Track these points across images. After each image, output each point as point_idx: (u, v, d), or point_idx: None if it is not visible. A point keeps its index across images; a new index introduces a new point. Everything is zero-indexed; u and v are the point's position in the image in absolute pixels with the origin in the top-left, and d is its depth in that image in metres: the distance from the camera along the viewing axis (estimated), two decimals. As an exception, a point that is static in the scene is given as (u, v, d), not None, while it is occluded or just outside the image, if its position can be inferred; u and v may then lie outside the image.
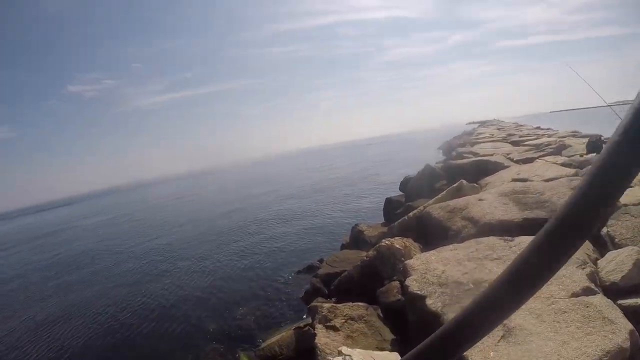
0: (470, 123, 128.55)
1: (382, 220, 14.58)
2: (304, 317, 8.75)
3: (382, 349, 4.70)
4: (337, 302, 7.06)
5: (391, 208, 14.30)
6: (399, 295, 5.78)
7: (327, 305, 6.63)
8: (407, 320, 4.73)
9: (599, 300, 3.52)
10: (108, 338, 9.94)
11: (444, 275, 4.59)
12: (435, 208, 7.83)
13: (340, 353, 5.36)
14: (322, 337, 5.87)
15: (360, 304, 6.37)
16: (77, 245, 27.03)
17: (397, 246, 6.96)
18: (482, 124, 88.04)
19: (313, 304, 7.89)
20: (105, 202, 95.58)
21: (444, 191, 9.48)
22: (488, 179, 10.59)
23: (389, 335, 5.14)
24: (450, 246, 5.52)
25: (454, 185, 9.52)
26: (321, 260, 12.00)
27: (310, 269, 11.93)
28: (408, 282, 4.96)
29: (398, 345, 4.64)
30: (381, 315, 5.93)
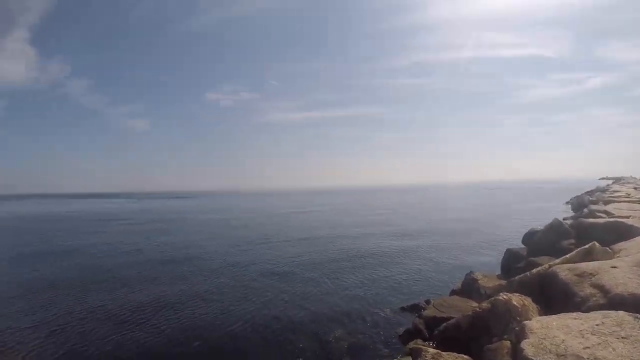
0: (603, 178, 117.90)
1: (499, 272, 13.49)
2: (399, 356, 8.36)
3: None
4: (438, 349, 6.65)
5: (511, 260, 13.11)
6: (508, 357, 5.18)
7: (432, 350, 6.30)
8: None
9: None
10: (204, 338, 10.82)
11: (564, 346, 4.01)
12: (562, 269, 6.93)
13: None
14: (420, 383, 5.62)
15: (464, 356, 5.91)
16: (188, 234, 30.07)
17: (515, 303, 6.28)
18: (617, 180, 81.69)
19: (416, 345, 7.53)
20: (227, 201, 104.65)
21: (573, 251, 8.43)
22: (623, 244, 9.33)
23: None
24: (574, 314, 4.82)
25: (585, 246, 8.39)
26: (428, 302, 11.43)
27: (415, 308, 11.46)
28: (523, 345, 4.45)
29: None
30: (484, 374, 5.38)
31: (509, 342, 5.52)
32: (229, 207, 77.69)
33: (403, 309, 11.71)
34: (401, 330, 9.81)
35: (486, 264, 16.56)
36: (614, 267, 6.55)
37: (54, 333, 10.67)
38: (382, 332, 10.29)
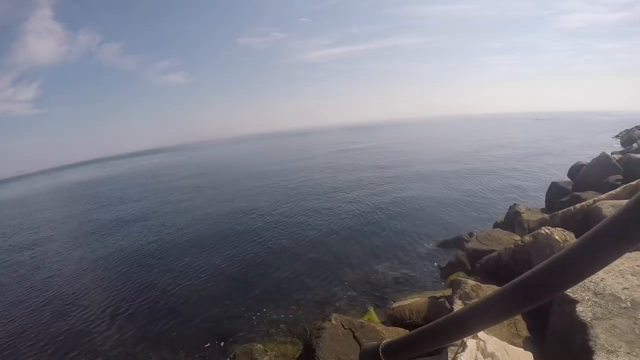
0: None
1: (543, 205, 13.10)
2: (440, 287, 8.66)
3: (513, 344, 4.42)
4: (478, 281, 6.79)
5: (555, 194, 12.69)
6: (547, 293, 5.23)
7: (471, 282, 6.43)
8: (547, 322, 4.30)
9: None
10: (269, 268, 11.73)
11: (602, 284, 3.97)
12: (607, 205, 6.62)
13: (475, 336, 5.25)
14: (458, 312, 5.80)
15: (504, 289, 6.01)
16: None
17: (557, 237, 6.18)
18: (675, 114, 71.00)
19: (457, 277, 7.73)
20: (267, 143, 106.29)
21: (620, 187, 7.94)
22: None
23: (525, 332, 4.76)
24: (617, 252, 4.65)
25: (632, 183, 7.87)
26: (471, 234, 11.46)
27: (458, 241, 11.53)
28: (561, 279, 4.45)
29: (531, 345, 4.27)
30: (522, 308, 5.48)
31: (549, 277, 5.54)
32: (270, 151, 79.02)
33: (447, 241, 11.83)
34: (444, 262, 10.05)
35: (530, 197, 16.20)
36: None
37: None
38: (424, 264, 10.62)
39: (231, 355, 7.20)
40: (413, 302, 7.31)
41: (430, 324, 0.81)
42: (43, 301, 11.55)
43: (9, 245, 20.50)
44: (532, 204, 13.01)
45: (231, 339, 8.04)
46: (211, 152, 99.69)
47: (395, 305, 7.48)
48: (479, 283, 6.39)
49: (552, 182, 13.74)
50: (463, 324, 0.79)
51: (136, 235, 18.22)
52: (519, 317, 5.27)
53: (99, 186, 50.63)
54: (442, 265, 9.94)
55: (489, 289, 6.15)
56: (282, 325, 8.28)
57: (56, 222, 26.47)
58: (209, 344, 7.99)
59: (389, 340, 0.90)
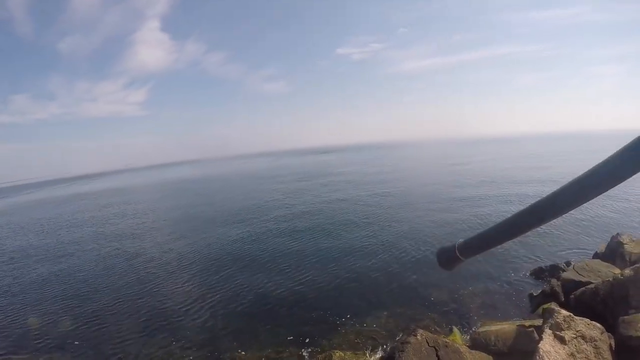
0: None
1: None
2: (530, 316, 8.47)
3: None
4: (573, 313, 6.65)
5: None
6: (642, 333, 5.10)
7: (564, 313, 6.35)
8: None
9: None
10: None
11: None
12: None
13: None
14: (547, 344, 5.80)
15: (597, 324, 5.87)
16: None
17: (660, 275, 5.92)
18: None
19: (548, 306, 7.56)
20: (370, 155, 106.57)
21: None
22: None
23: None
24: None
25: None
26: (568, 263, 10.91)
27: (554, 269, 11.01)
28: (660, 321, 4.42)
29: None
30: (613, 346, 5.39)
31: (647, 316, 5.36)
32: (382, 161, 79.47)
33: (541, 269, 11.32)
34: (537, 290, 9.75)
35: (637, 225, 14.71)
36: None
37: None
38: (516, 289, 10.39)
39: (311, 358, 7.87)
40: (500, 328, 7.28)
41: (500, 222, 1.09)
42: (142, 287, 13.47)
43: (118, 227, 23.88)
44: (638, 235, 11.85)
45: (314, 344, 8.63)
46: (311, 160, 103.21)
47: (481, 329, 7.50)
48: (572, 315, 6.28)
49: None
50: (538, 214, 1.03)
51: (236, 234, 20.04)
52: (608, 355, 5.24)
53: (203, 183, 55.86)
54: (535, 294, 9.63)
55: (581, 323, 6.06)
56: (364, 336, 8.70)
57: (160, 212, 30.09)
58: (292, 345, 8.67)
59: (462, 239, 1.21)
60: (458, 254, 1.46)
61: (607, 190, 0.98)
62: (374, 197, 27.83)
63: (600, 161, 0.93)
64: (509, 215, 1.18)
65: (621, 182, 0.95)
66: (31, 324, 11.25)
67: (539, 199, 1.06)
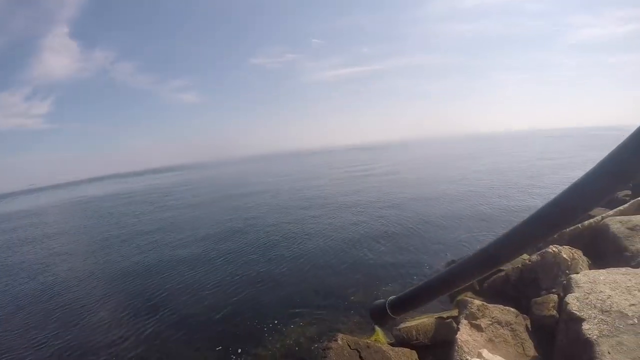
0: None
1: None
2: (448, 308, 8.56)
3: (521, 363, 4.38)
4: (487, 301, 6.75)
5: None
6: (554, 311, 5.19)
7: (477, 302, 6.42)
8: (554, 341, 4.27)
9: None
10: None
11: (609, 302, 3.95)
12: (614, 221, 6.61)
13: (480, 355, 5.19)
14: (465, 334, 5.76)
15: (511, 309, 5.98)
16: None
17: (564, 256, 6.16)
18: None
19: (462, 297, 7.69)
20: (279, 163, 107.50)
21: (627, 203, 7.95)
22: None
23: (532, 351, 4.73)
24: (623, 269, 4.66)
25: None
26: (478, 254, 11.37)
27: (465, 260, 11.42)
28: (568, 299, 4.45)
29: (538, 364, 4.24)
30: (529, 327, 5.45)
31: (556, 295, 5.51)
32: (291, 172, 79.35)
33: (453, 261, 11.65)
34: (451, 283, 9.94)
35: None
36: (671, 221, 6.16)
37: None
38: (431, 284, 10.47)
39: None
40: (420, 322, 7.25)
41: (431, 278, 0.90)
42: (54, 308, 11.81)
43: (20, 254, 20.77)
44: (541, 222, 12.90)
45: (232, 357, 8.02)
46: (221, 171, 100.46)
47: (402, 326, 7.41)
48: (485, 303, 6.37)
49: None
50: (457, 275, 0.86)
51: (148, 248, 18.46)
52: (525, 336, 5.24)
53: (111, 201, 51.28)
54: (450, 286, 9.82)
55: (495, 309, 6.13)
56: (286, 345, 8.23)
57: (67, 234, 26.90)
58: None
59: (394, 296, 0.99)
60: (389, 311, 1.64)
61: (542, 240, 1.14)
62: (297, 202, 27.50)
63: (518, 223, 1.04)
64: (440, 272, 1.11)
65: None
66: None
67: (474, 251, 0.97)
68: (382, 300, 1.26)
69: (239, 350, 8.18)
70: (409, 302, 1.15)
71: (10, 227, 37.81)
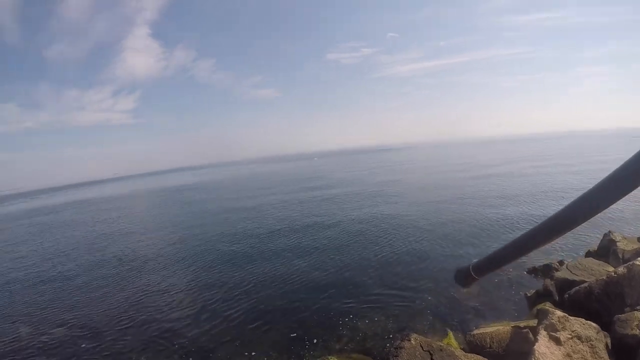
0: None
1: None
2: (525, 317, 8.41)
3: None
4: (566, 312, 6.57)
5: None
6: (638, 331, 5.02)
7: (559, 313, 6.28)
8: (635, 362, 4.22)
9: None
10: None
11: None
12: None
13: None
14: (542, 346, 5.72)
15: (592, 324, 5.81)
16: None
17: (654, 271, 5.87)
18: None
19: (544, 307, 7.49)
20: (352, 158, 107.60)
21: None
22: None
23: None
24: None
25: None
26: (561, 262, 10.86)
27: (547, 268, 10.97)
28: (655, 319, 4.35)
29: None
30: (609, 345, 5.31)
31: (642, 314, 5.30)
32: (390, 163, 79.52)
33: (535, 269, 11.30)
34: (531, 290, 9.68)
35: (628, 224, 14.78)
36: None
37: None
38: (509, 290, 10.27)
39: None
40: (495, 330, 7.19)
41: (510, 242, 1.16)
42: (134, 290, 13.49)
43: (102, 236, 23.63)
44: (630, 232, 11.88)
45: (308, 348, 8.52)
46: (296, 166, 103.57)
47: (476, 332, 7.39)
48: (566, 315, 6.22)
49: (655, 209, 12.44)
50: (534, 238, 1.08)
51: (233, 239, 19.94)
52: (604, 355, 5.17)
53: (191, 191, 55.62)
54: (529, 294, 9.55)
55: (576, 323, 5.98)
56: (360, 340, 8.60)
57: (154, 218, 29.83)
58: (286, 350, 8.54)
59: (477, 260, 1.29)
60: (472, 273, 1.67)
61: (614, 202, 1.04)
62: (375, 200, 27.83)
63: (606, 175, 1.04)
64: (519, 235, 1.34)
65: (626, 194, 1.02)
66: (22, 334, 11.07)
67: (547, 217, 1.16)
68: (466, 264, 1.54)
69: (314, 341, 8.76)
70: (491, 264, 1.40)
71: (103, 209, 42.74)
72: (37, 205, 71.47)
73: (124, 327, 10.75)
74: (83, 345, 10.01)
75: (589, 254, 11.05)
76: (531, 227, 1.11)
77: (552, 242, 13.67)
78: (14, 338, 10.91)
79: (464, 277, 1.62)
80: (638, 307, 5.58)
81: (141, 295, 12.98)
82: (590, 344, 5.45)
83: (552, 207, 18.36)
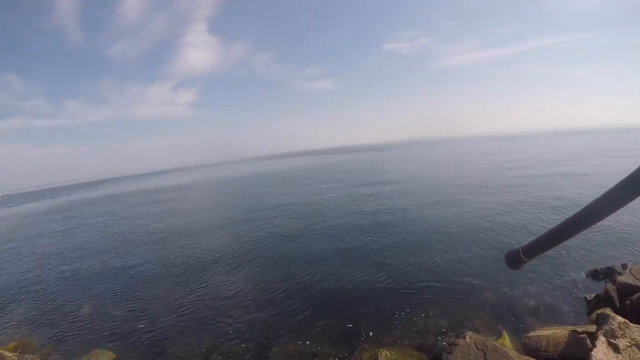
0: None
1: None
2: (583, 322, 8.34)
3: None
4: (627, 319, 6.53)
5: None
6: (701, 344, 4.99)
7: (620, 319, 6.30)
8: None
9: None
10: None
11: None
12: None
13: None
14: (600, 352, 5.80)
15: (656, 332, 5.82)
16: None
17: None
18: None
19: (603, 311, 7.41)
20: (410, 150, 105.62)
21: None
22: None
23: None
24: None
25: None
26: (624, 266, 10.54)
27: (609, 272, 10.67)
28: None
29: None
30: (672, 356, 5.32)
31: None
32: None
33: (596, 271, 10.99)
34: (591, 295, 9.50)
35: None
36: None
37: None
38: (570, 295, 10.11)
39: (357, 356, 7.97)
40: (551, 333, 7.23)
41: (559, 223, 1.26)
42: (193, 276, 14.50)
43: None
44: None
45: (361, 341, 8.83)
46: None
47: (532, 334, 7.47)
48: (627, 321, 6.21)
49: None
50: (584, 217, 1.15)
51: (289, 229, 20.94)
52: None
53: (250, 181, 57.86)
54: (589, 298, 9.37)
55: (637, 330, 5.98)
56: (412, 335, 8.82)
57: (216, 207, 31.50)
58: (338, 342, 8.89)
59: (526, 242, 1.43)
60: (522, 256, 1.64)
61: None
62: (430, 194, 27.79)
63: None
64: (567, 217, 1.30)
65: None
66: (83, 313, 12.51)
67: (593, 199, 1.18)
68: (517, 246, 1.65)
69: (370, 333, 9.12)
70: (540, 246, 1.51)
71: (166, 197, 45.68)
72: (100, 195, 77.57)
73: (182, 314, 11.60)
74: (141, 326, 11.07)
75: (656, 259, 10.63)
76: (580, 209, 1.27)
77: (617, 245, 13.16)
78: (75, 316, 12.37)
79: (514, 259, 1.73)
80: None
81: (200, 284, 13.94)
82: (651, 353, 5.47)
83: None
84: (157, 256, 18.83)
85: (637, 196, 1.05)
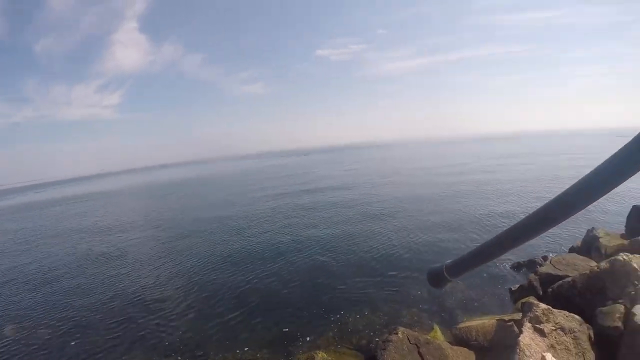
0: None
1: (623, 230, 11.96)
2: (509, 311, 8.55)
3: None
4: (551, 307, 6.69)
5: (637, 218, 11.60)
6: (620, 322, 5.14)
7: (543, 306, 6.39)
8: (617, 353, 4.32)
9: None
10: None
11: (675, 317, 3.96)
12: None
13: (543, 359, 5.29)
14: (527, 337, 5.81)
15: (575, 316, 5.94)
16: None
17: (635, 265, 6.00)
18: None
19: (527, 299, 7.63)
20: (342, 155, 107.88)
21: None
22: None
23: (594, 362, 4.77)
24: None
25: None
26: (545, 258, 11.11)
27: (531, 264, 11.21)
28: (636, 310, 4.46)
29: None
30: (592, 336, 5.43)
31: (622, 306, 5.42)
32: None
33: (519, 264, 11.52)
34: (515, 286, 9.83)
35: (611, 221, 15.06)
36: None
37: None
38: (494, 285, 10.45)
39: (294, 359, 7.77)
40: (480, 323, 7.33)
41: (485, 242, 1.13)
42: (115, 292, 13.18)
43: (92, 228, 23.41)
44: (613, 229, 12.12)
45: (296, 344, 8.56)
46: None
47: (461, 325, 7.53)
48: (550, 307, 6.32)
49: (634, 206, 12.56)
50: (509, 238, 1.06)
51: (215, 234, 20.01)
52: (587, 346, 5.27)
53: (180, 187, 55.31)
54: (514, 289, 9.72)
55: (560, 315, 6.09)
56: (346, 335, 8.67)
57: (139, 215, 29.62)
58: (272, 346, 8.57)
59: (450, 260, 1.25)
60: (446, 275, 1.55)
61: (596, 199, 0.95)
62: (360, 196, 27.99)
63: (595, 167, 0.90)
64: (493, 236, 1.23)
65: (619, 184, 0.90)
66: (8, 333, 10.84)
67: (526, 215, 1.09)
68: (439, 264, 1.46)
69: (307, 338, 8.77)
70: (465, 265, 1.35)
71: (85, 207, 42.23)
72: (21, 202, 70.29)
73: (113, 325, 10.59)
74: (72, 343, 9.83)
75: (572, 250, 11.27)
76: (508, 225, 1.12)
77: (534, 239, 13.91)
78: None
79: (437, 278, 1.57)
80: (619, 301, 5.69)
81: (129, 293, 12.78)
82: (574, 335, 5.56)
83: (534, 205, 18.73)
84: (79, 281, 16.96)
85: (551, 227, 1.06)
